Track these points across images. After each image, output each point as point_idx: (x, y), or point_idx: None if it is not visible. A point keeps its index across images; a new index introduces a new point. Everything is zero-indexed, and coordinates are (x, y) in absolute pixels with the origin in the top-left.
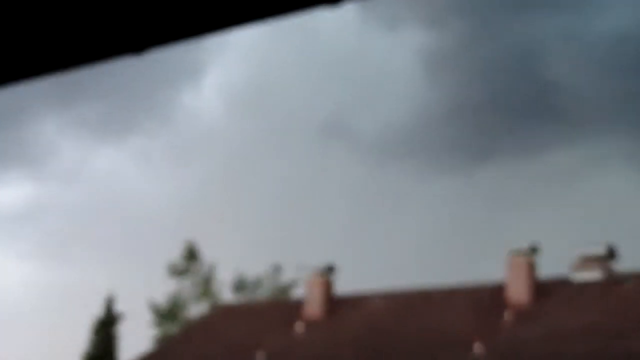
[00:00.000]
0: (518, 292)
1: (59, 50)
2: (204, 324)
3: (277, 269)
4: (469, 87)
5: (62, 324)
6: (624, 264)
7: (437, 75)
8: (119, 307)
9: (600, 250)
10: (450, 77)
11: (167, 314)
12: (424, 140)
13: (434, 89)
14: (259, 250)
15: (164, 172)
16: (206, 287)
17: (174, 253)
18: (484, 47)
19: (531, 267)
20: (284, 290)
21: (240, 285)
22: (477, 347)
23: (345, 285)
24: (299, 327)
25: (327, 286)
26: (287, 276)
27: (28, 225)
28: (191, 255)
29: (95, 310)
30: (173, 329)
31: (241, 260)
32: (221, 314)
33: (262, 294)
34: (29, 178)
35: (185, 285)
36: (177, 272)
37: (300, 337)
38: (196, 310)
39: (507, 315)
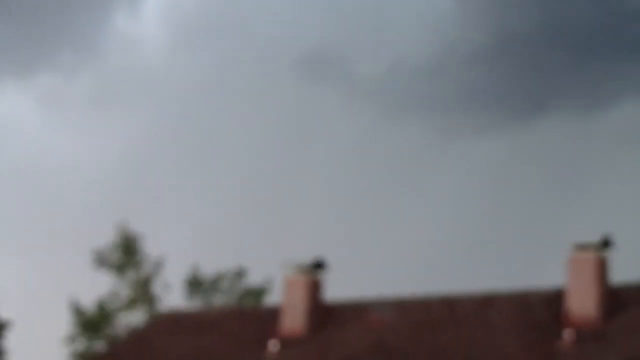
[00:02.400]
0: (583, 303)
1: None
2: (138, 339)
3: (241, 271)
4: (517, 14)
5: None
6: None
7: None
8: (14, 310)
9: None
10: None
11: (88, 323)
12: (450, 88)
13: (467, 18)
14: (217, 238)
15: (86, 124)
16: (145, 287)
17: (100, 238)
18: None
19: (602, 268)
20: (254, 294)
21: (193, 285)
22: None
23: (338, 289)
24: (273, 345)
25: (314, 289)
26: (257, 276)
27: None
28: (127, 244)
29: None
30: (95, 343)
31: (192, 253)
32: (163, 326)
33: (223, 299)
34: None
35: (113, 284)
36: (106, 264)
37: (276, 359)
38: (130, 319)
39: (567, 335)
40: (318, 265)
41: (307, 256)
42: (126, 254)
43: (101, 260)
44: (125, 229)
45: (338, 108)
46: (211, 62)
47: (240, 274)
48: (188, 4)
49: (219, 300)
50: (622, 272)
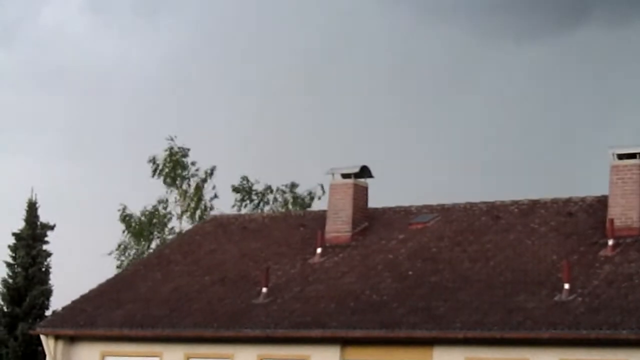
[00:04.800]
0: (626, 213)
1: None
2: (185, 243)
3: (292, 184)
4: None
5: None
6: None
7: None
8: (61, 214)
9: None
10: None
11: (138, 229)
12: None
13: None
14: (263, 147)
15: (131, 29)
16: (194, 196)
17: (148, 146)
18: None
19: None
20: (302, 203)
21: (242, 194)
22: (566, 289)
23: (382, 196)
24: (319, 249)
25: (359, 195)
26: (304, 186)
27: None
28: (176, 158)
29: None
30: (145, 249)
31: (239, 161)
32: (210, 231)
33: (271, 208)
34: None
35: (165, 194)
36: (157, 174)
37: (320, 263)
38: (180, 226)
39: (610, 245)
40: (363, 172)
41: (351, 163)
42: (175, 166)
43: (152, 170)
44: (173, 142)
45: (377, 11)
46: None
47: (292, 185)
48: None
49: (268, 209)
50: None
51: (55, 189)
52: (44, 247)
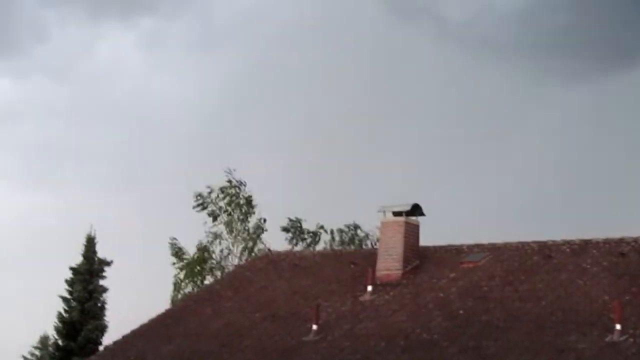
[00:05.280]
0: None
1: None
2: (236, 279)
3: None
4: None
5: (35, 267)
6: None
7: None
8: (116, 249)
9: None
10: None
11: (191, 265)
12: (540, 34)
13: None
14: (312, 182)
15: (186, 64)
16: (246, 232)
17: (199, 179)
18: None
19: None
20: (357, 240)
21: (293, 230)
22: (618, 330)
23: (433, 234)
24: (369, 287)
25: (410, 233)
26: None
27: (1, 134)
28: (232, 192)
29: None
30: (196, 285)
31: (290, 194)
32: (261, 267)
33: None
34: (6, 71)
35: (219, 229)
36: (208, 207)
37: (370, 301)
38: (231, 261)
39: None
40: (414, 210)
41: (402, 201)
42: (230, 201)
43: (203, 204)
44: (230, 175)
45: (427, 51)
46: (306, 4)
47: (350, 227)
48: None
49: (320, 248)
50: None
51: (112, 222)
52: (101, 282)
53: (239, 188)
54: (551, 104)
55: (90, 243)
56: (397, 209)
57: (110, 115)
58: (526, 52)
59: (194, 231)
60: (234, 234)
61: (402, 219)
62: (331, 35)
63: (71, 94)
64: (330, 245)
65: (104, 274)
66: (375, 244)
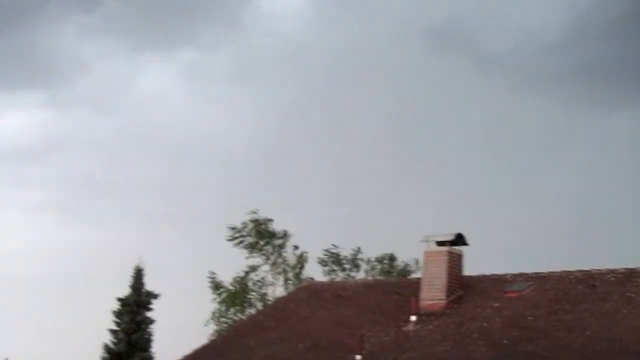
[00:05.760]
0: None
1: None
2: (279, 310)
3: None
4: None
5: (79, 301)
6: None
7: None
8: (158, 281)
9: None
10: None
11: (230, 298)
12: (582, 61)
13: None
14: (354, 210)
15: (227, 97)
16: (295, 268)
17: (238, 211)
18: None
19: None
20: (394, 271)
21: (332, 261)
22: None
23: (476, 264)
24: (413, 317)
25: (454, 263)
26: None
27: (43, 166)
28: (259, 229)
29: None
30: (237, 316)
31: (329, 226)
32: (304, 297)
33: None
34: (49, 103)
35: (256, 262)
36: (246, 245)
37: (414, 331)
38: (270, 293)
39: None
40: (457, 240)
41: (446, 231)
42: (259, 237)
43: (236, 239)
44: (255, 215)
45: (468, 82)
46: (349, 36)
47: (391, 258)
48: None
49: (360, 276)
50: None
51: (156, 255)
52: (148, 314)
53: (267, 224)
54: (597, 130)
55: (139, 275)
56: (440, 239)
57: (152, 148)
58: (570, 80)
59: (234, 265)
60: (272, 265)
61: (445, 248)
62: (374, 65)
63: (114, 127)
64: (370, 275)
65: (151, 306)
66: (413, 274)
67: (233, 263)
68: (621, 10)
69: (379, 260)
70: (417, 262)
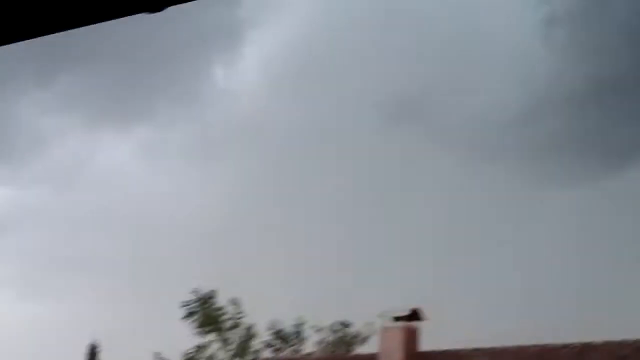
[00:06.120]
0: None
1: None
2: None
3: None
4: (609, 60)
5: None
6: None
7: (562, 39)
8: (114, 358)
9: None
10: (581, 41)
11: None
12: (539, 137)
13: (557, 66)
14: (310, 287)
15: (185, 172)
16: (245, 344)
17: (193, 287)
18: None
19: None
20: (347, 344)
21: (282, 336)
22: None
23: (433, 339)
24: None
25: (410, 339)
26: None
27: (2, 243)
28: (205, 304)
29: None
30: None
31: (286, 303)
32: None
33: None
34: (7, 180)
35: (209, 339)
36: (199, 322)
37: None
38: None
39: None
40: (414, 315)
41: (402, 306)
42: (206, 317)
43: (189, 314)
44: (204, 293)
45: (422, 157)
46: (304, 111)
47: (343, 324)
48: (288, 50)
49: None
50: None
51: (114, 333)
52: None
53: (212, 300)
54: (553, 206)
55: (93, 352)
56: (396, 314)
57: (111, 224)
58: (526, 155)
59: (189, 343)
60: (223, 343)
61: (401, 324)
62: (326, 143)
63: (72, 203)
64: (321, 345)
65: None
66: (366, 343)
67: (188, 341)
68: (577, 88)
69: (333, 329)
70: (371, 331)
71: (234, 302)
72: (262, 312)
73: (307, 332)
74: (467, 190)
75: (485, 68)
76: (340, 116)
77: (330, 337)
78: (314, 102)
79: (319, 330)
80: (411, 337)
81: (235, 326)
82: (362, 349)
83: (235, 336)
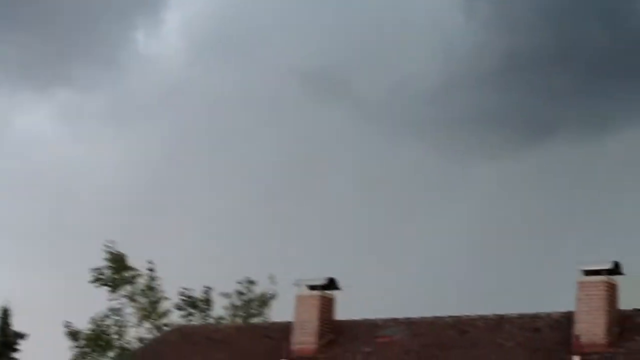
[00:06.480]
0: (592, 329)
1: None
2: (148, 354)
3: (249, 283)
4: (526, 36)
5: None
6: None
7: (483, 13)
8: (26, 323)
9: None
10: (501, 16)
11: (93, 339)
12: (457, 110)
13: (475, 39)
14: (227, 256)
15: (103, 138)
16: (153, 306)
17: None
18: None
19: (612, 293)
20: (257, 311)
21: (191, 302)
22: None
23: (349, 309)
24: None
25: (326, 308)
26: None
27: None
28: (117, 264)
29: None
30: None
31: (201, 269)
32: (173, 341)
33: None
34: None
35: (121, 302)
36: (108, 284)
37: None
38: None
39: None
40: (330, 284)
41: (319, 275)
42: (117, 272)
43: (97, 279)
44: (113, 248)
45: (344, 128)
46: (225, 80)
47: (249, 281)
48: (206, 23)
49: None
50: (631, 298)
51: (28, 297)
52: (15, 354)
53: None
54: (471, 178)
55: (6, 315)
56: (312, 283)
57: (28, 188)
58: (445, 128)
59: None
60: (136, 306)
61: (317, 292)
62: (250, 109)
63: None
64: (230, 311)
65: (17, 347)
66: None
67: (101, 305)
68: (497, 63)
69: (239, 290)
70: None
71: (148, 263)
72: (177, 277)
73: (217, 297)
74: (389, 162)
75: (407, 41)
76: (262, 85)
77: (238, 301)
78: (235, 71)
79: (226, 294)
80: (327, 305)
81: (147, 289)
82: (274, 313)
83: (146, 299)
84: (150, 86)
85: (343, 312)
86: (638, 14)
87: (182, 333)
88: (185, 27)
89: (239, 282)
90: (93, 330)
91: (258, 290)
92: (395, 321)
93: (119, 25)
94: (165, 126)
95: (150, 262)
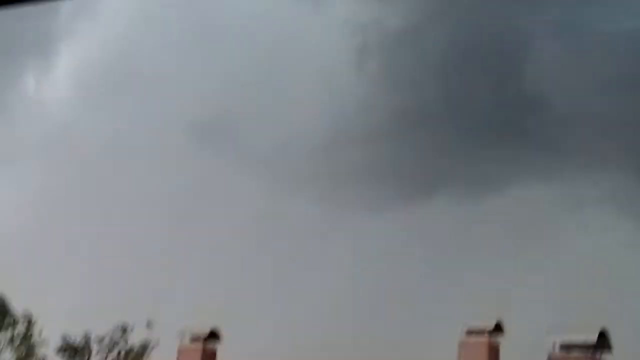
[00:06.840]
0: None
1: None
2: None
3: (123, 329)
4: (413, 91)
5: None
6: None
7: (373, 70)
8: None
9: (586, 337)
10: (391, 73)
11: None
12: (344, 164)
13: (366, 90)
14: (105, 305)
15: None
16: (30, 352)
17: None
18: (444, 31)
19: (494, 353)
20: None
21: (70, 347)
22: None
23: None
24: None
25: (209, 359)
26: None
27: None
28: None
29: None
30: None
31: (79, 317)
32: None
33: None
34: None
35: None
36: None
37: None
38: None
39: None
40: (212, 335)
41: (203, 326)
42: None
43: None
44: None
45: (231, 179)
46: (115, 126)
47: (124, 329)
48: (96, 69)
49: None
50: (512, 357)
51: None
52: None
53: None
54: (353, 232)
55: None
56: (195, 334)
57: None
58: (330, 182)
59: None
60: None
61: (200, 345)
62: (135, 155)
63: None
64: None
65: None
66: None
67: None
68: (385, 119)
69: (113, 340)
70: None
71: (25, 312)
72: (57, 323)
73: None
74: (275, 214)
75: (296, 95)
76: (148, 132)
77: (113, 346)
78: (124, 120)
79: (100, 340)
80: (209, 357)
81: (25, 335)
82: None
83: (23, 346)
84: (38, 130)
85: None
86: (525, 75)
87: None
88: (75, 72)
89: (115, 329)
90: None
91: (136, 338)
92: None
93: (10, 69)
94: (53, 168)
95: (27, 309)
